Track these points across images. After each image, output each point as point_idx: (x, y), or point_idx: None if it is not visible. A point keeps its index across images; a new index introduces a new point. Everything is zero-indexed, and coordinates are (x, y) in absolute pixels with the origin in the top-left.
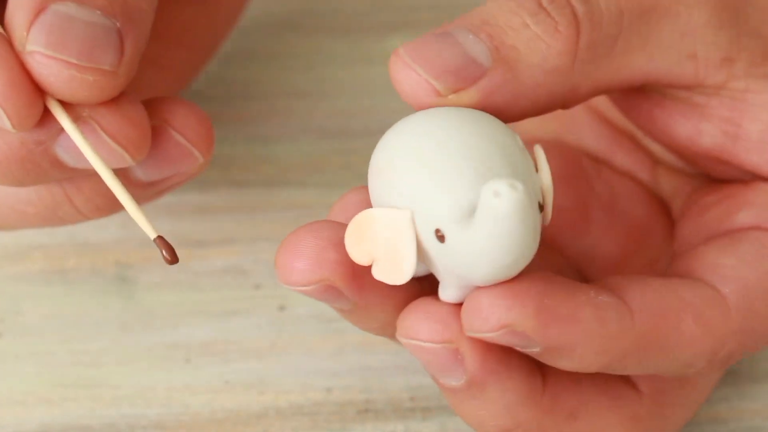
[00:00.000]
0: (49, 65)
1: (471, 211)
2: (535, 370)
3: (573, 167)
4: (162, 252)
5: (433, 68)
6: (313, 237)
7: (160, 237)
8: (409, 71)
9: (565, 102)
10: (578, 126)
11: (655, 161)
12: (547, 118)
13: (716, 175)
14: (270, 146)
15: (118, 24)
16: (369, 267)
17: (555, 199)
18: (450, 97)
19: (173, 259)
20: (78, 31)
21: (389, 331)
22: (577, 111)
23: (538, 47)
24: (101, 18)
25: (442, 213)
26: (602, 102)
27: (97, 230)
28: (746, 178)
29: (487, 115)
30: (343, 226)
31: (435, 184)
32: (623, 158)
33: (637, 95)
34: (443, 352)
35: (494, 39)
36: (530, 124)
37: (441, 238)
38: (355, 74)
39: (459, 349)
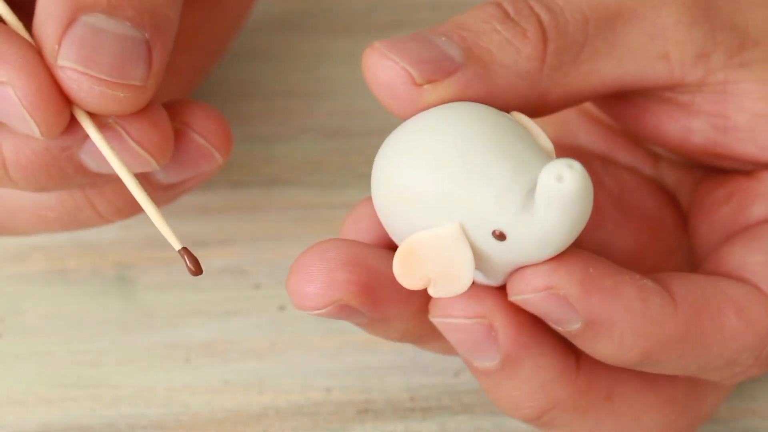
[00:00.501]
0: (80, 81)
1: (526, 201)
2: (568, 350)
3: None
4: (186, 263)
5: (410, 57)
6: (321, 259)
7: (184, 248)
8: (385, 60)
9: (536, 109)
10: (574, 130)
11: (656, 157)
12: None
13: (717, 167)
14: (270, 146)
15: (146, 35)
16: (381, 280)
17: None
18: (426, 87)
19: (197, 270)
20: (109, 46)
21: (410, 337)
22: (572, 116)
23: (509, 50)
24: (131, 30)
25: (498, 213)
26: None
27: (97, 231)
28: (747, 168)
29: (474, 103)
30: (350, 243)
31: (479, 188)
32: (624, 158)
33: (622, 102)
34: (477, 328)
35: (467, 41)
36: None
37: (501, 236)
38: (355, 74)
39: (493, 324)
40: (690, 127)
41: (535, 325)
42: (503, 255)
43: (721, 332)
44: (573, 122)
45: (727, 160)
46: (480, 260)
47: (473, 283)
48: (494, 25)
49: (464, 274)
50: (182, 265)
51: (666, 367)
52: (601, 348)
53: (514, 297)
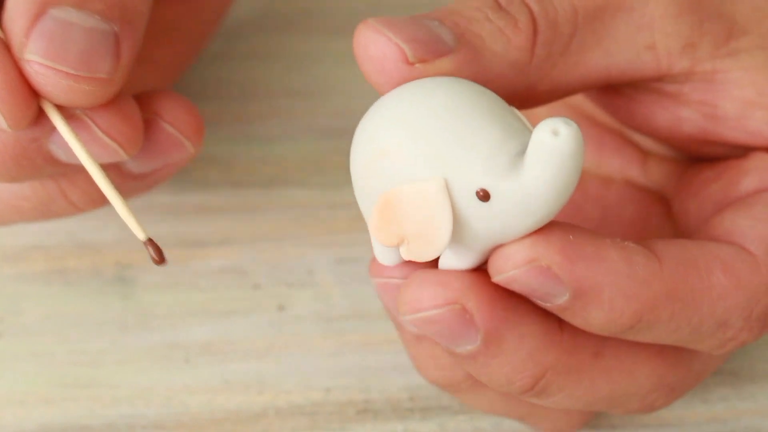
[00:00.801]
0: (46, 75)
1: (514, 162)
2: (548, 314)
3: None
4: (150, 253)
5: (404, 35)
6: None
7: (149, 239)
8: (378, 35)
9: (525, 99)
10: None
11: (644, 154)
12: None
13: (708, 155)
14: (270, 146)
15: (116, 28)
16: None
17: None
18: (417, 66)
19: (161, 260)
20: (76, 40)
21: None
22: (562, 114)
23: (500, 39)
24: (100, 23)
25: (485, 172)
26: (587, 102)
27: (97, 230)
28: (737, 153)
29: (458, 78)
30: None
31: (467, 143)
32: (612, 155)
33: (613, 93)
34: (450, 315)
35: (459, 26)
36: None
37: (485, 197)
38: (355, 74)
39: (465, 307)
40: (680, 116)
41: (508, 297)
42: (484, 221)
43: (710, 290)
44: None
45: (718, 147)
46: (458, 227)
47: (440, 269)
48: (486, 13)
49: (441, 234)
50: (182, 265)
51: (659, 333)
52: (592, 317)
53: (498, 277)
